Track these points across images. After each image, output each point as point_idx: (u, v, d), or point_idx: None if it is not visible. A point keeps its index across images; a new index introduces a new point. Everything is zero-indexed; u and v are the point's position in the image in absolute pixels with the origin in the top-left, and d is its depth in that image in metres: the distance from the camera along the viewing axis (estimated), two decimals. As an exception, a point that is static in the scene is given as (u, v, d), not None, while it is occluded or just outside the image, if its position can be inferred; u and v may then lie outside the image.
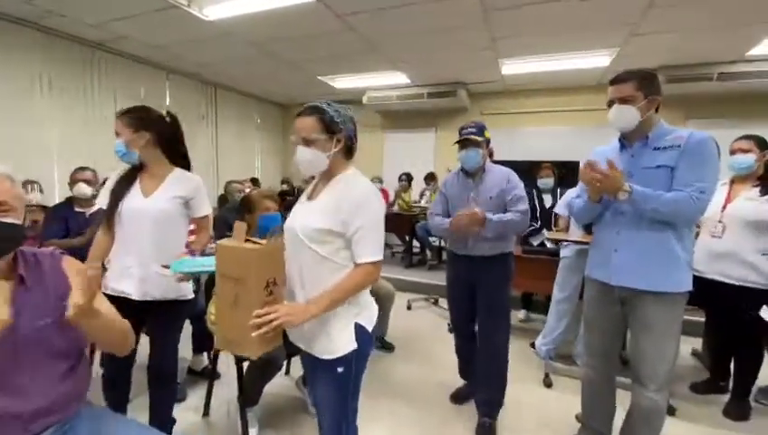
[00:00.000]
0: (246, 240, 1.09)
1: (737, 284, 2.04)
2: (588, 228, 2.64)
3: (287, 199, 5.52)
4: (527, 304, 3.63)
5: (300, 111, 1.22)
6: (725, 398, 2.24)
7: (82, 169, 2.85)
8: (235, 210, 3.36)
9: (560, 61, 4.32)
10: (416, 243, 5.29)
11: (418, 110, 6.07)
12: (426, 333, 3.29)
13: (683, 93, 4.46)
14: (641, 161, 1.50)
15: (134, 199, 1.55)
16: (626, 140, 1.57)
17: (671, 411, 2.12)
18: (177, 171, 1.63)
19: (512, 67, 4.61)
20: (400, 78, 5.20)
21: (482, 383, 2.04)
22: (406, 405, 2.21)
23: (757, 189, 2.03)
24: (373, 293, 2.75)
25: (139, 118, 1.58)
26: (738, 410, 2.14)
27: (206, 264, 1.38)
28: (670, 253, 1.45)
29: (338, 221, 1.14)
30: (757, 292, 2.00)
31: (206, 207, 1.69)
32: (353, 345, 1.17)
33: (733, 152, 2.09)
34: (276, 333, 1.10)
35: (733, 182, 2.20)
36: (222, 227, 3.07)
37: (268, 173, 7.12)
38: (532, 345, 2.87)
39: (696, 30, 3.37)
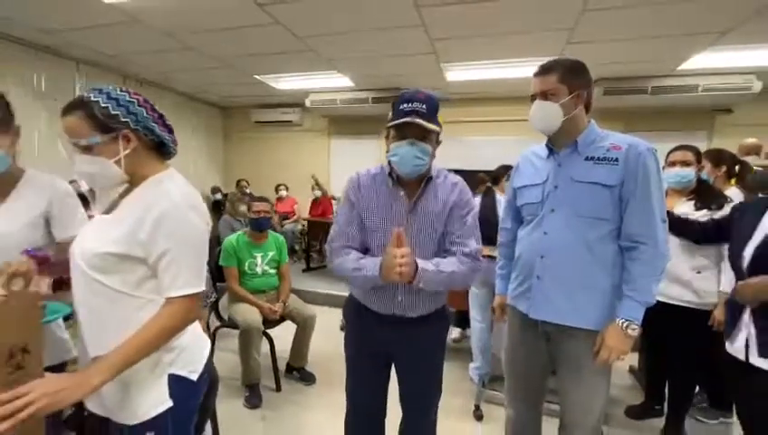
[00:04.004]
0: None
1: (673, 303, 1.91)
2: (490, 241, 2.47)
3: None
4: (462, 322, 3.41)
5: (63, 107, 0.90)
6: (661, 422, 2.11)
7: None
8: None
9: (503, 69, 4.22)
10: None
11: (365, 115, 5.81)
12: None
13: (621, 106, 4.54)
14: (570, 172, 1.27)
15: None
16: (552, 145, 1.35)
17: (605, 444, 1.95)
18: (34, 173, 1.17)
19: (456, 74, 4.47)
20: (343, 81, 4.93)
21: None
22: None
23: (692, 203, 1.92)
24: (290, 317, 2.51)
25: (3, 108, 1.07)
26: (672, 439, 2.00)
27: None
28: (603, 283, 1.24)
29: (135, 242, 0.86)
30: (692, 311, 1.89)
31: (78, 225, 1.17)
32: (167, 404, 0.90)
33: (672, 164, 1.96)
34: (35, 425, 0.75)
35: (666, 195, 2.08)
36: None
37: (205, 179, 6.56)
38: None
39: (629, 41, 3.36)
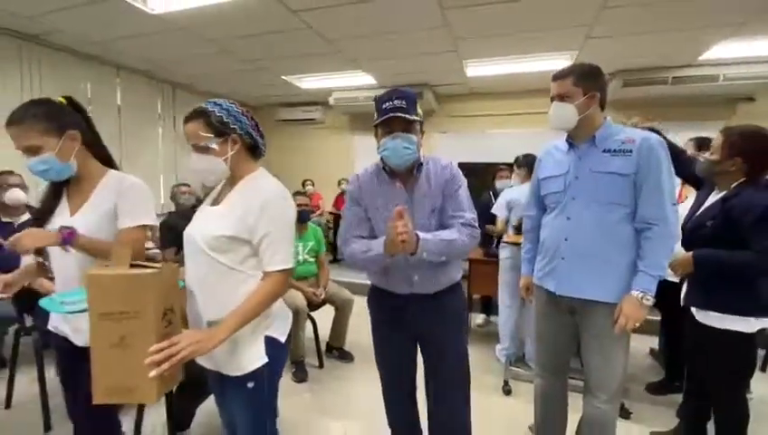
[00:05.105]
0: (132, 265, 0.93)
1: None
2: (518, 230, 2.63)
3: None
4: (486, 309, 3.58)
5: (185, 115, 1.12)
6: (680, 397, 2.24)
7: (9, 172, 2.61)
8: (182, 216, 3.18)
9: (522, 63, 4.32)
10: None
11: (386, 111, 5.98)
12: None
13: (640, 97, 4.58)
14: (590, 164, 1.42)
15: (58, 219, 1.21)
16: (572, 140, 1.51)
17: (626, 415, 2.11)
18: (113, 174, 1.27)
19: (476, 69, 4.59)
20: (366, 79, 5.10)
21: None
22: (361, 427, 2.09)
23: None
24: (330, 301, 2.73)
25: (50, 116, 1.15)
26: (691, 412, 2.14)
27: (74, 299, 1.07)
28: (620, 260, 1.39)
29: (243, 227, 1.06)
30: None
31: (137, 216, 1.23)
32: (264, 359, 1.11)
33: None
34: (177, 370, 0.97)
35: (682, 186, 2.21)
36: (167, 235, 2.89)
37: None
38: None
39: (648, 34, 3.43)
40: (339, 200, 6.09)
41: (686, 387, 2.21)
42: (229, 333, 1.00)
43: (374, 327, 1.54)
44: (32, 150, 1.13)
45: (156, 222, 1.29)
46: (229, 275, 1.08)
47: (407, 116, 1.26)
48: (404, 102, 1.27)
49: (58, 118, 1.16)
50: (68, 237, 1.10)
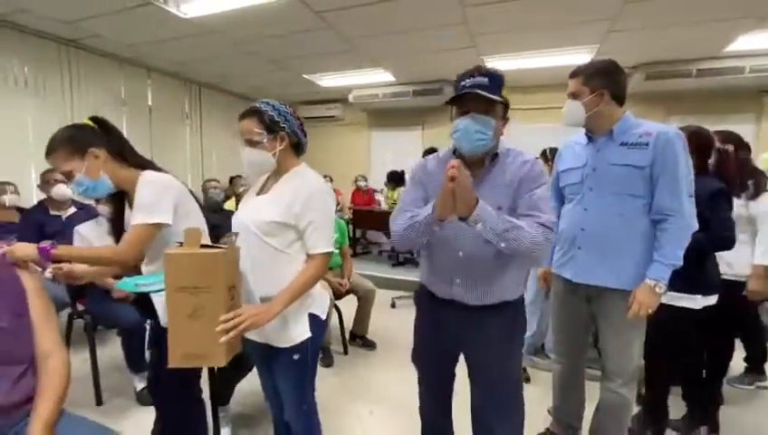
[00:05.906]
0: (201, 245, 1.05)
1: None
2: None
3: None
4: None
5: (240, 113, 1.25)
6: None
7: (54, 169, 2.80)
8: (212, 210, 3.34)
9: (542, 58, 4.33)
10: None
11: (404, 108, 6.07)
12: (409, 331, 3.29)
13: (663, 90, 4.53)
14: (607, 156, 1.48)
15: (128, 215, 1.35)
16: (591, 134, 1.57)
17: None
18: (145, 174, 1.29)
19: (496, 64, 4.61)
20: (385, 76, 5.20)
21: None
22: (386, 409, 2.20)
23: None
24: (353, 291, 2.86)
25: (72, 140, 1.23)
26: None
27: (148, 281, 1.22)
28: (635, 250, 1.44)
29: (291, 214, 1.18)
30: (724, 282, 2.00)
31: (146, 214, 1.21)
32: (308, 334, 1.24)
33: None
34: (239, 339, 1.11)
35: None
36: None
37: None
38: None
39: (673, 27, 3.41)
40: (356, 196, 6.23)
41: (704, 380, 2.25)
42: (282, 307, 1.13)
43: (416, 323, 1.46)
44: (66, 175, 1.25)
45: (169, 221, 1.25)
46: (278, 257, 1.21)
47: (486, 94, 1.07)
48: (486, 80, 1.10)
49: (79, 139, 1.24)
50: (44, 252, 1.15)
